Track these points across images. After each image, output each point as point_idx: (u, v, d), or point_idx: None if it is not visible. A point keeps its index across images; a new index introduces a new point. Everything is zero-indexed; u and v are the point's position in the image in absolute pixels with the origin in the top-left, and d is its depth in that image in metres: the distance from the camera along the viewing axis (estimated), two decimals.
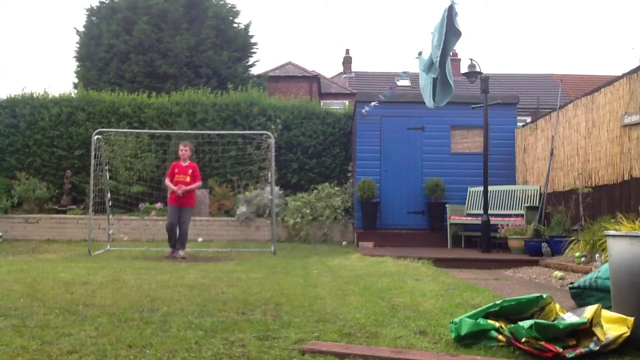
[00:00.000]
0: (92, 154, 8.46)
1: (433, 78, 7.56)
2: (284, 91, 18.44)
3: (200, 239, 10.69)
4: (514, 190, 9.74)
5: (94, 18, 17.18)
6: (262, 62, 54.06)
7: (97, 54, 16.33)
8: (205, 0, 17.00)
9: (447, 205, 9.95)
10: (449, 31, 6.96)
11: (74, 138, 12.12)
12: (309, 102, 13.83)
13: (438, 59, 7.07)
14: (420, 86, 8.06)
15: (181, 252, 7.66)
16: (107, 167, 9.58)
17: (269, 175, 10.09)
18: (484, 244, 8.48)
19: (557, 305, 2.72)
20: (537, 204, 9.03)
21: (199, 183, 7.92)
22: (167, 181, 7.79)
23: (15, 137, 12.09)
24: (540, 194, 9.02)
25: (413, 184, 10.57)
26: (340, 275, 5.38)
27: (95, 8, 17.23)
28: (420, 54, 8.31)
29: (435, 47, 7.14)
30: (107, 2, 17.16)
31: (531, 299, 2.69)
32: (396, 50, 51.46)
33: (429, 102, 7.88)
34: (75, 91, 13.37)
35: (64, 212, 11.45)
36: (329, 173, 12.43)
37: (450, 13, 6.95)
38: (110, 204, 9.47)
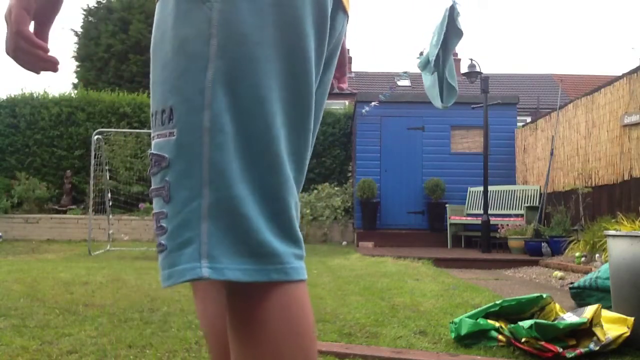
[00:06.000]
0: (92, 154, 8.46)
1: (439, 78, 7.54)
2: None
3: None
4: (514, 190, 9.74)
5: (91, 18, 17.21)
6: None
7: (97, 54, 16.36)
8: None
9: (447, 205, 9.95)
10: (451, 31, 6.97)
11: (74, 138, 12.12)
12: None
13: (434, 58, 7.07)
14: (425, 86, 8.03)
15: None
16: (107, 167, 9.58)
17: None
18: (484, 244, 8.47)
19: (557, 305, 2.72)
20: (537, 204, 9.03)
21: None
22: None
23: (15, 137, 12.09)
24: (540, 194, 9.02)
25: (413, 184, 10.57)
26: (340, 275, 5.38)
27: (92, 8, 17.27)
28: (421, 54, 8.30)
29: (433, 47, 7.14)
30: (104, 2, 17.21)
31: (531, 299, 2.69)
32: (396, 50, 51.45)
33: (436, 101, 7.85)
34: (75, 91, 13.39)
35: (64, 212, 11.44)
36: (329, 173, 12.44)
37: (452, 13, 6.95)
38: (110, 204, 9.47)
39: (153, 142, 0.78)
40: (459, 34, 7.03)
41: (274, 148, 0.77)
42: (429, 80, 7.79)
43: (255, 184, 0.75)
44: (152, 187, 0.77)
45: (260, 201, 0.75)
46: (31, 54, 0.86)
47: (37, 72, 0.90)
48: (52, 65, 0.88)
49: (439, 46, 6.98)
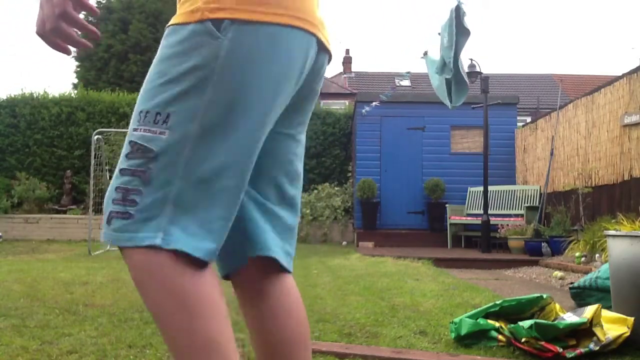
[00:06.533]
0: (92, 154, 8.46)
1: (446, 78, 7.52)
2: None
3: None
4: (514, 190, 9.74)
5: (91, 18, 17.22)
6: None
7: (96, 54, 16.37)
8: None
9: (447, 205, 9.95)
10: (459, 31, 6.97)
11: (74, 138, 12.12)
12: None
13: (451, 59, 7.07)
14: (433, 87, 7.99)
15: None
16: (107, 167, 9.58)
17: None
18: (484, 244, 8.47)
19: (557, 305, 2.72)
20: (537, 204, 9.04)
21: None
22: None
23: (15, 137, 12.08)
24: (540, 194, 9.02)
25: (413, 184, 10.57)
26: (340, 275, 5.38)
27: None
28: (425, 54, 8.28)
29: (447, 48, 7.13)
30: (104, 2, 17.23)
31: (531, 299, 2.69)
32: (396, 50, 51.46)
33: (447, 102, 7.83)
34: (75, 91, 13.39)
35: (64, 212, 11.44)
36: (329, 173, 12.43)
37: (458, 13, 6.95)
38: None
39: (138, 134, 0.94)
40: (466, 33, 7.04)
41: (235, 159, 0.96)
42: (437, 81, 7.76)
43: (210, 191, 0.94)
44: (128, 167, 0.94)
45: (211, 203, 0.95)
46: (68, 35, 0.97)
47: (69, 53, 1.03)
48: (92, 36, 1.02)
49: (453, 47, 6.97)
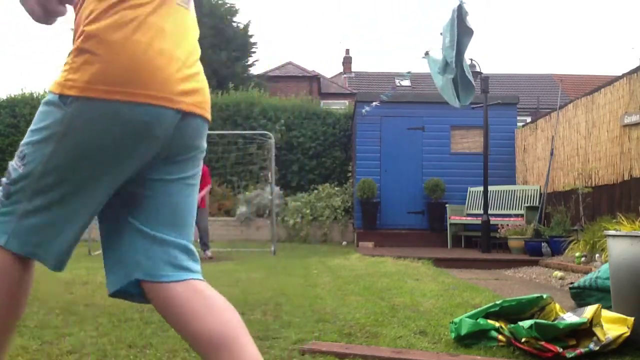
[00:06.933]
0: None
1: (454, 78, 7.50)
2: (285, 91, 18.46)
3: None
4: (514, 190, 9.74)
5: None
6: (261, 62, 54.02)
7: None
8: None
9: (447, 205, 9.95)
10: (461, 31, 6.97)
11: None
12: (310, 102, 13.80)
13: (453, 59, 7.06)
14: (437, 87, 7.98)
15: (208, 253, 7.68)
16: None
17: (269, 175, 10.11)
18: (484, 244, 8.47)
19: (557, 305, 2.72)
20: (537, 204, 9.03)
21: (209, 186, 8.01)
22: None
23: (15, 137, 12.08)
24: (540, 194, 9.02)
25: (413, 184, 10.57)
26: (340, 275, 5.38)
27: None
28: (427, 53, 8.27)
29: (449, 48, 7.12)
30: None
31: (531, 299, 2.69)
32: (396, 50, 51.47)
33: (453, 101, 7.81)
34: None
35: None
36: (329, 174, 12.43)
37: (460, 13, 6.95)
38: None
39: (12, 162, 1.26)
40: (469, 32, 7.02)
41: (66, 199, 1.24)
42: (440, 81, 7.75)
43: (45, 211, 1.23)
44: (2, 181, 1.25)
45: (43, 224, 1.24)
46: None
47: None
48: None
49: (454, 47, 6.96)
